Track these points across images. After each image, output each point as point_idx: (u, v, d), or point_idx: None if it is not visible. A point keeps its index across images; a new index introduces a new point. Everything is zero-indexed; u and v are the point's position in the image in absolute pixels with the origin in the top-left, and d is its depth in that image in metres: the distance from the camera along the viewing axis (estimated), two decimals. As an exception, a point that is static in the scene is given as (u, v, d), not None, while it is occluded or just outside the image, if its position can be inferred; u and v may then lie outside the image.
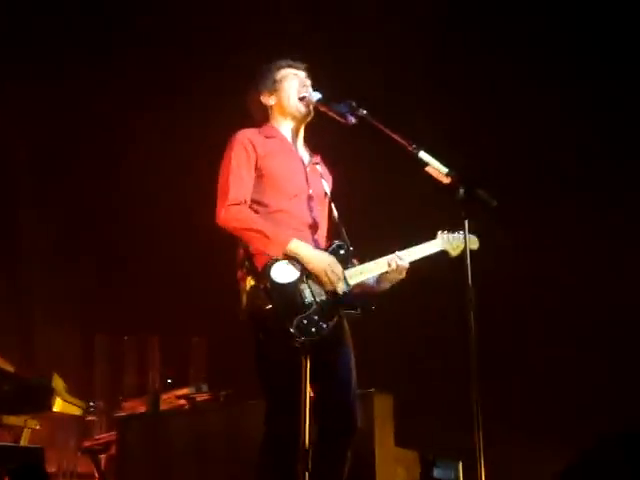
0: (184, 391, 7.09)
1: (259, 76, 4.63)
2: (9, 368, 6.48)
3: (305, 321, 4.10)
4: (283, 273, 4.16)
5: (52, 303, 8.51)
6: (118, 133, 8.36)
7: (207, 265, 7.46)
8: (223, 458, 6.03)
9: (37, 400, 6.41)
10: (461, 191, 4.00)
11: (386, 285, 4.43)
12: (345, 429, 4.30)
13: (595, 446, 5.29)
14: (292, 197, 4.43)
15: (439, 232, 4.58)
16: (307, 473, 3.85)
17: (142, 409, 7.14)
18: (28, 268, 8.70)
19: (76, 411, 6.72)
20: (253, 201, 4.38)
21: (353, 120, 4.34)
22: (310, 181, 4.52)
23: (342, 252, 4.36)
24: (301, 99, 4.52)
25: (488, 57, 7.61)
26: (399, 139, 4.22)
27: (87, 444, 7.26)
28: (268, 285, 4.12)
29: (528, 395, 7.27)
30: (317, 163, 4.63)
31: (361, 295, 4.32)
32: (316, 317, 4.13)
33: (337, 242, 4.40)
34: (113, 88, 8.18)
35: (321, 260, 4.23)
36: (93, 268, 8.57)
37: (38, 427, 6.61)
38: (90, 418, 7.25)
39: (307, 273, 4.20)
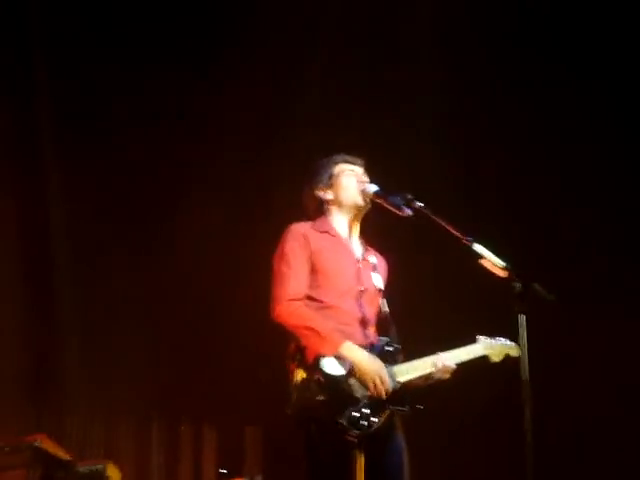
0: (238, 482, 7.05)
1: (315, 171, 4.69)
2: (64, 456, 6.48)
3: (356, 414, 4.10)
4: (334, 366, 4.18)
5: (106, 391, 8.50)
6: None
7: (264, 354, 7.46)
8: None
9: (92, 488, 6.40)
10: (517, 285, 3.99)
11: (429, 382, 4.41)
12: None
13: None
14: (343, 293, 4.45)
15: (478, 336, 4.58)
16: None
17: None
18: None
19: (131, 501, 6.70)
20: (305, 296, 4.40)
21: (409, 212, 4.36)
22: (361, 277, 4.53)
23: (390, 349, 4.37)
24: (359, 193, 4.55)
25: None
26: (454, 231, 4.24)
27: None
28: (320, 378, 4.13)
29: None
30: (370, 256, 4.64)
31: (409, 392, 4.30)
32: (367, 411, 4.12)
33: (385, 339, 4.41)
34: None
35: (371, 369, 4.22)
36: (151, 356, 8.57)
37: (92, 516, 6.58)
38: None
39: None
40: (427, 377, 4.38)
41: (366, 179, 4.61)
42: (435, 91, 7.89)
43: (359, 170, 4.64)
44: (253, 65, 8.05)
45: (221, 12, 8.10)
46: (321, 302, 4.39)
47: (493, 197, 7.51)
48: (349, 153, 4.70)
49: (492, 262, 4.12)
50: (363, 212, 4.61)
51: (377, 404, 4.16)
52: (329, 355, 4.18)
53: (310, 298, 4.39)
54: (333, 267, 4.46)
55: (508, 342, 4.55)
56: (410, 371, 4.33)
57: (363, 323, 4.43)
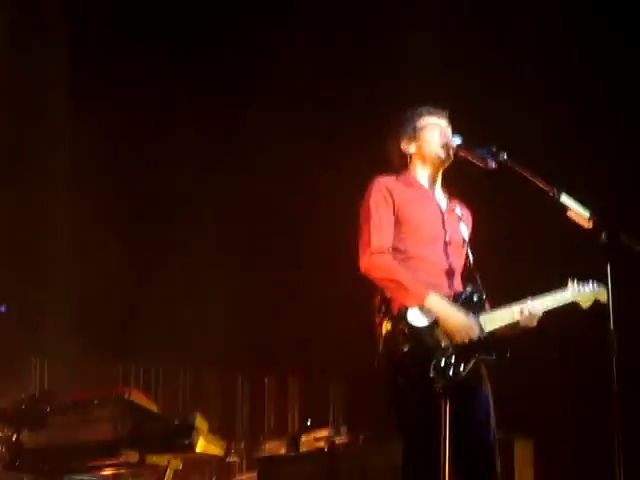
0: (323, 433, 7.12)
1: (399, 123, 4.66)
2: (153, 408, 6.61)
3: (443, 364, 4.12)
4: (420, 317, 4.20)
5: (194, 344, 8.63)
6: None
7: (349, 310, 7.50)
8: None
9: (181, 440, 6.49)
10: (604, 235, 3.97)
11: (516, 331, 4.39)
12: (484, 474, 4.26)
13: None
14: (429, 244, 4.45)
15: (569, 281, 4.53)
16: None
17: (282, 450, 7.19)
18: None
19: (218, 451, 6.78)
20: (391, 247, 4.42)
21: (493, 165, 4.33)
22: (447, 227, 4.53)
23: (475, 299, 4.36)
24: (442, 146, 4.55)
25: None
26: (540, 183, 4.21)
27: (228, 484, 7.36)
28: (405, 329, 4.15)
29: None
30: (455, 208, 4.64)
31: (496, 340, 4.30)
32: (453, 360, 4.13)
33: (470, 288, 4.41)
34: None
35: (456, 322, 4.22)
36: (237, 310, 8.67)
37: (181, 467, 6.70)
38: (231, 459, 7.32)
39: None
40: (513, 325, 4.36)
41: (449, 132, 4.59)
42: (514, 44, 7.81)
43: (443, 123, 4.61)
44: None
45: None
46: (407, 253, 4.40)
47: (580, 147, 7.41)
48: (435, 106, 4.67)
49: (578, 213, 4.10)
50: (446, 164, 4.58)
51: (463, 353, 4.17)
52: (413, 306, 4.20)
53: (396, 249, 4.40)
54: (418, 218, 4.46)
55: (597, 287, 4.47)
56: (496, 319, 4.32)
57: (449, 273, 4.44)
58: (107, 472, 6.54)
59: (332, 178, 7.84)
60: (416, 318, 4.18)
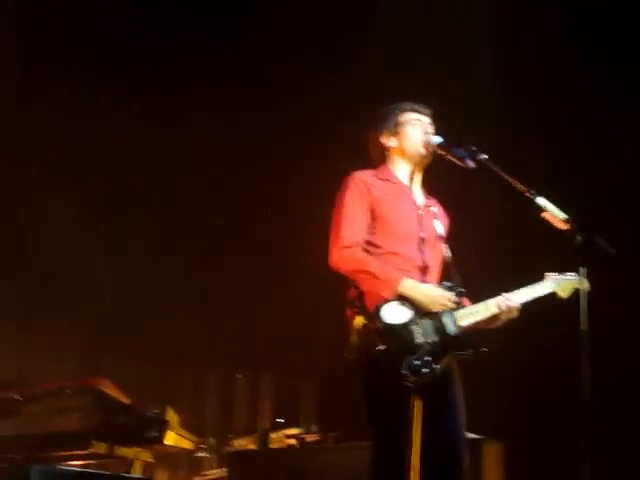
0: (294, 431, 7.13)
1: (381, 117, 4.69)
2: (124, 400, 6.59)
3: (417, 362, 4.12)
4: (394, 314, 4.21)
5: (165, 338, 8.63)
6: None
7: (319, 307, 7.51)
8: (331, 499, 6.05)
9: (151, 432, 6.49)
10: (579, 238, 4.01)
11: (498, 324, 4.42)
12: (451, 473, 4.27)
13: None
14: (403, 240, 4.47)
15: (546, 274, 4.56)
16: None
17: (252, 447, 7.19)
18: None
19: (188, 445, 6.78)
20: (365, 242, 4.43)
21: (472, 164, 4.37)
22: (423, 224, 4.55)
23: (452, 293, 4.38)
24: (422, 143, 4.57)
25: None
26: (517, 184, 4.25)
27: (197, 480, 7.35)
28: (380, 326, 4.16)
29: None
30: (431, 205, 4.66)
31: (472, 336, 4.32)
32: (427, 358, 4.14)
33: (447, 283, 4.43)
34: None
35: (434, 296, 4.28)
36: (209, 304, 8.67)
37: (150, 460, 6.69)
38: (200, 454, 7.32)
39: (418, 314, 4.23)
40: (493, 319, 4.38)
41: (431, 130, 4.61)
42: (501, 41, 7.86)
43: (425, 120, 4.64)
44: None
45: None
46: (382, 248, 4.42)
47: (557, 150, 7.45)
48: (418, 103, 4.69)
49: (554, 215, 4.14)
50: (426, 162, 4.61)
51: (438, 350, 4.19)
52: (389, 296, 4.22)
53: (370, 244, 4.42)
54: (394, 214, 4.49)
55: (576, 276, 4.44)
56: (472, 314, 4.34)
57: (423, 270, 4.46)
58: (76, 462, 6.51)
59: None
60: (390, 315, 4.19)
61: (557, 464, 6.45)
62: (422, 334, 4.20)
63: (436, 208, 4.69)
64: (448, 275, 4.50)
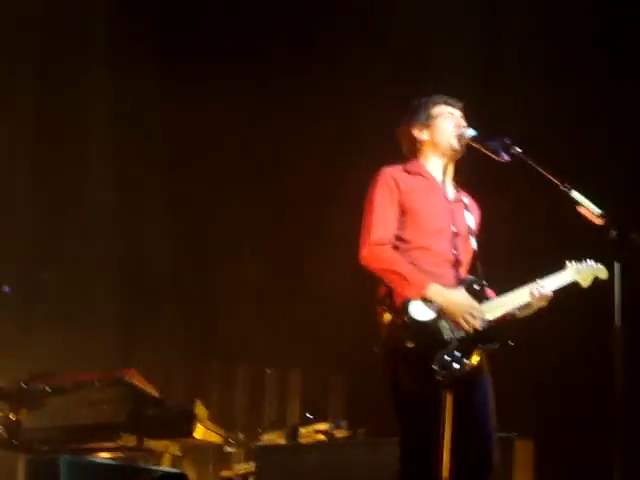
0: (323, 426, 7.11)
1: (413, 110, 4.64)
2: (153, 392, 6.60)
3: (447, 357, 4.10)
4: (422, 310, 4.19)
5: (195, 332, 8.65)
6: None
7: (349, 302, 7.49)
8: (360, 494, 6.02)
9: (180, 425, 6.50)
10: (613, 233, 3.96)
11: (528, 312, 4.39)
12: (481, 468, 4.24)
13: None
14: (434, 234, 4.44)
15: (567, 262, 4.52)
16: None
17: (281, 442, 7.18)
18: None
19: (216, 439, 6.79)
20: (395, 237, 4.40)
21: (506, 157, 4.33)
22: (454, 218, 4.51)
23: (476, 287, 4.35)
24: (455, 136, 4.52)
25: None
26: (552, 178, 4.21)
27: (225, 474, 7.32)
28: (408, 322, 4.15)
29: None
30: (462, 198, 4.62)
31: (499, 329, 4.28)
32: (457, 353, 4.12)
33: (471, 277, 4.41)
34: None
35: (459, 305, 4.22)
36: (238, 300, 8.68)
37: (178, 453, 6.69)
38: (229, 449, 7.31)
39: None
40: (525, 307, 4.36)
41: (464, 123, 4.57)
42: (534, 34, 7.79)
43: (458, 113, 4.60)
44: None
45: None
46: (412, 243, 4.39)
47: (595, 144, 7.38)
48: (451, 96, 4.65)
49: (589, 209, 4.11)
50: (458, 156, 4.56)
51: (467, 344, 4.16)
52: (415, 298, 4.19)
53: (401, 239, 4.39)
54: (425, 208, 4.45)
55: (596, 265, 4.48)
56: (500, 306, 4.32)
57: (455, 264, 4.42)
58: (105, 455, 6.53)
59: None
60: (418, 311, 4.18)
61: (589, 463, 6.39)
62: (449, 329, 4.18)
63: (468, 200, 4.64)
64: (473, 268, 4.47)
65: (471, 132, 4.50)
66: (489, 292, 4.41)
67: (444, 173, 4.59)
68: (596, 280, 4.48)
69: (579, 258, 4.53)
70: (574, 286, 4.49)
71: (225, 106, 8.51)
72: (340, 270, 6.81)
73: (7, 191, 8.14)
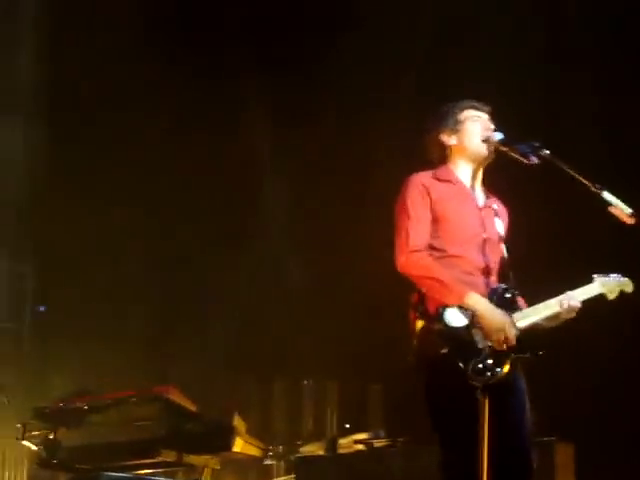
0: (362, 436, 7.10)
1: (440, 115, 4.62)
2: (192, 407, 6.60)
3: (481, 365, 4.08)
4: (456, 317, 4.16)
5: (232, 345, 8.67)
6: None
7: (386, 310, 7.48)
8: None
9: (219, 439, 6.50)
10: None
11: (555, 323, 4.35)
12: (521, 472, 4.21)
13: None
14: (466, 242, 4.41)
15: (595, 275, 4.47)
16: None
17: (320, 453, 7.17)
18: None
19: (256, 452, 6.78)
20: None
21: (535, 160, 4.31)
22: (485, 225, 4.49)
23: (507, 295, 4.32)
24: (484, 140, 4.50)
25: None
26: (582, 179, 4.19)
27: (266, 487, 7.35)
28: (442, 328, 4.13)
29: None
30: (492, 204, 4.59)
31: (531, 338, 4.24)
32: (490, 361, 4.10)
33: (503, 285, 4.36)
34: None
35: (495, 323, 4.16)
36: (275, 311, 8.70)
37: (218, 467, 6.70)
38: (268, 462, 7.31)
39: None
40: (552, 318, 4.31)
41: (492, 126, 4.55)
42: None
43: (485, 117, 4.57)
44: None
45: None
46: (444, 251, 4.36)
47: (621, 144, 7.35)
48: (478, 100, 4.63)
49: (621, 209, 4.09)
50: (487, 160, 4.53)
51: (500, 353, 4.12)
52: (451, 305, 4.17)
53: (432, 247, 4.37)
54: (455, 215, 4.42)
55: (622, 278, 4.45)
56: (530, 316, 4.28)
57: (486, 272, 4.40)
58: (144, 471, 6.54)
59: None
60: (453, 318, 4.15)
61: (629, 468, 6.36)
62: (482, 337, 4.15)
63: (497, 206, 4.62)
64: (504, 276, 4.43)
65: (499, 135, 4.48)
66: (520, 301, 4.37)
67: (473, 178, 4.57)
68: (622, 293, 4.45)
69: (606, 272, 4.50)
70: (601, 298, 4.45)
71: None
72: (376, 279, 6.79)
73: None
